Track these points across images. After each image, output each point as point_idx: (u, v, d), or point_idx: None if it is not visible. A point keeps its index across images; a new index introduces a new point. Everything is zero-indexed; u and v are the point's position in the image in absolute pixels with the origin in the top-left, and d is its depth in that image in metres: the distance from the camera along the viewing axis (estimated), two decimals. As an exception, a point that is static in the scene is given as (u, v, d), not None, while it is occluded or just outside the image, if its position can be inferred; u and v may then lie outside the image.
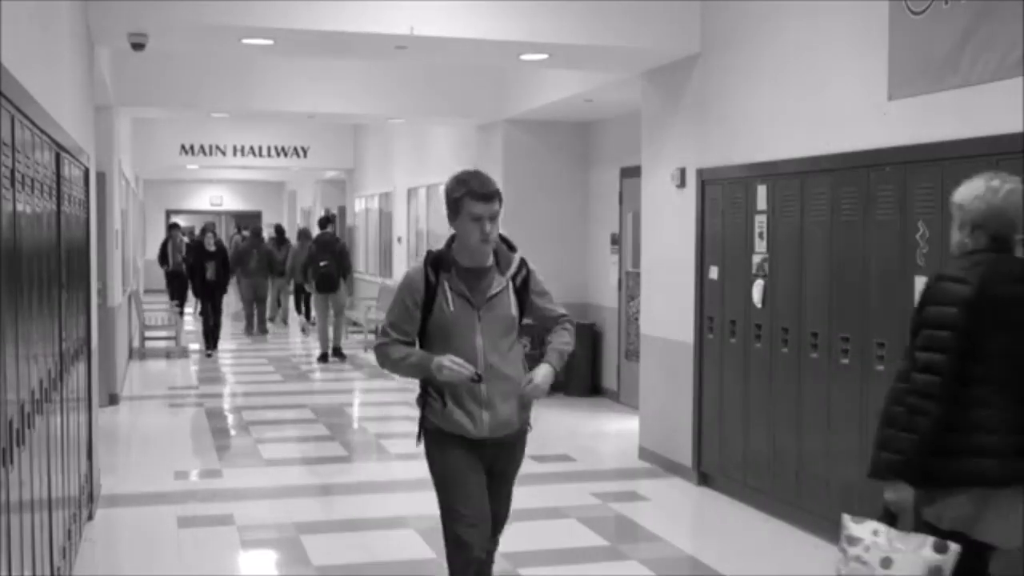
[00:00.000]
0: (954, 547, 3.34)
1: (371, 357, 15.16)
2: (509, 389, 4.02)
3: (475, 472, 4.09)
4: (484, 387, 3.95)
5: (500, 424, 4.03)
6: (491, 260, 4.06)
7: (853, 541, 3.47)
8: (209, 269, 15.37)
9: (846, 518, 3.55)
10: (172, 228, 20.89)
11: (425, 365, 3.95)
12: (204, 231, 16.11)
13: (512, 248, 4.14)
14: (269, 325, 18.64)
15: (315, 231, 15.51)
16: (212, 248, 15.61)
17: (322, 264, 14.33)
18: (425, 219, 15.47)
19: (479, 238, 3.94)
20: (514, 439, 4.16)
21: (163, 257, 19.87)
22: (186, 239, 19.44)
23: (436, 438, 4.12)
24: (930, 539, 3.35)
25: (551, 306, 4.27)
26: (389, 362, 4.07)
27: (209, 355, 14.82)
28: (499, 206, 3.98)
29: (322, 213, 20.71)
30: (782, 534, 6.35)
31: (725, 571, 5.65)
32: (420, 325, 4.06)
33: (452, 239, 4.07)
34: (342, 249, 15.06)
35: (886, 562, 3.36)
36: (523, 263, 4.14)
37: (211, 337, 15.17)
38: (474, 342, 3.98)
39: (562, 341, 4.24)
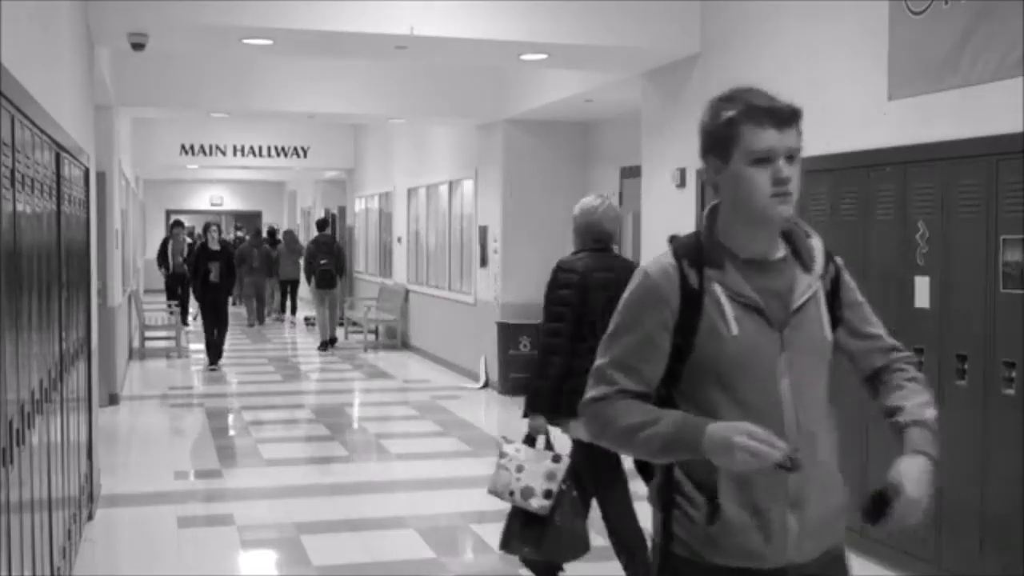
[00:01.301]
0: (566, 459, 4.67)
1: (371, 357, 15.15)
2: (830, 474, 2.44)
3: None
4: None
5: (816, 533, 2.30)
6: (783, 249, 2.36)
7: (502, 455, 4.77)
8: (213, 270, 13.69)
9: (501, 440, 4.92)
10: (174, 226, 19.59)
11: (691, 439, 2.16)
12: (207, 228, 14.50)
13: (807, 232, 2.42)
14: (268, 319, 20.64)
15: (312, 232, 16.54)
16: (216, 247, 13.99)
17: (322, 263, 15.87)
18: (425, 219, 15.47)
19: (770, 192, 2.23)
20: (835, 561, 2.39)
21: (163, 258, 19.00)
22: (188, 240, 18.31)
23: (687, 570, 2.28)
24: (550, 454, 4.68)
25: (874, 328, 2.56)
26: (612, 430, 2.27)
27: (213, 369, 13.48)
28: (799, 139, 2.29)
29: (322, 214, 21.82)
30: (782, 534, 6.34)
31: (725, 571, 5.64)
32: (669, 363, 2.29)
33: (711, 215, 2.40)
34: (339, 250, 16.60)
35: (520, 468, 4.68)
36: (829, 254, 2.43)
37: (215, 349, 13.73)
38: (777, 390, 2.28)
39: (921, 401, 2.54)
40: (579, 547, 4.70)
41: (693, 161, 7.52)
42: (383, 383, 12.92)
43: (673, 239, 2.43)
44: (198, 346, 15.09)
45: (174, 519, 6.57)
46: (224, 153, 17.85)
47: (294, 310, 20.95)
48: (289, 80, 11.29)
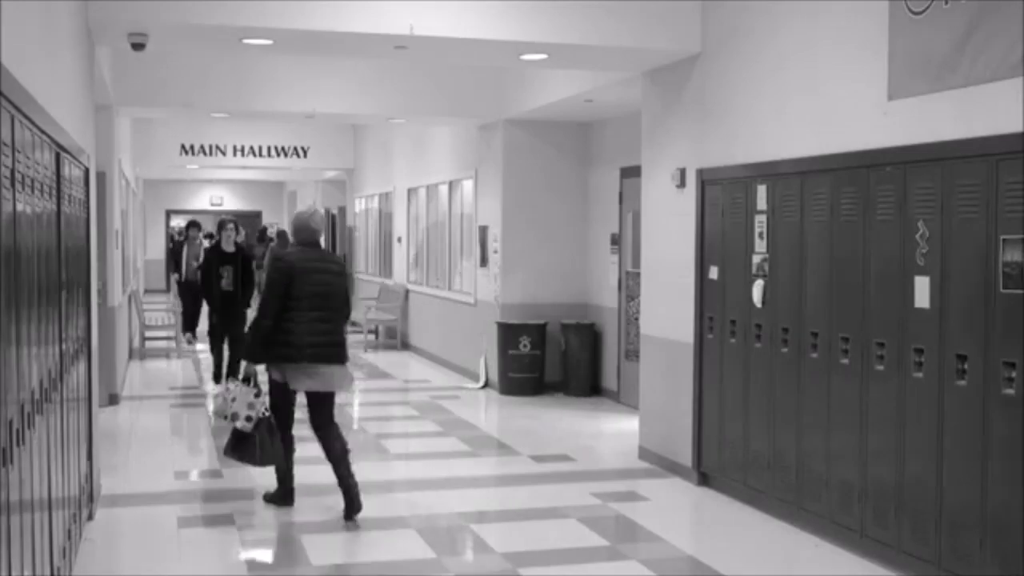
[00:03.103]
0: (265, 393, 6.54)
1: (371, 357, 15.15)
2: None
3: None
4: None
5: None
6: None
7: (226, 390, 6.65)
8: (225, 276, 11.74)
9: (227, 382, 7.20)
10: (190, 227, 16.47)
11: None
12: (222, 226, 12.21)
13: None
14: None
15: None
16: (231, 248, 11.91)
17: None
18: (425, 219, 15.47)
19: None
20: None
21: (175, 264, 16.52)
22: (206, 242, 15.44)
23: None
24: (254, 389, 6.46)
25: None
26: None
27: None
28: None
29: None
30: (782, 534, 6.35)
31: (725, 571, 5.65)
32: None
33: None
34: None
35: (233, 399, 6.47)
36: None
37: (223, 372, 11.75)
38: None
39: None
40: (276, 457, 6.57)
41: (693, 161, 7.52)
42: (383, 383, 12.91)
43: None
44: (203, 346, 15.00)
45: (174, 519, 6.57)
46: (224, 153, 17.86)
47: None
48: (289, 80, 11.29)
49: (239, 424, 6.47)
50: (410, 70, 11.45)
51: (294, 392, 6.62)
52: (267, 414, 6.52)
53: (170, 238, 29.17)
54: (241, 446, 6.52)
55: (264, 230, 24.09)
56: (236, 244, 12.09)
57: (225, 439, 6.68)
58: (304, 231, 6.63)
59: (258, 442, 6.46)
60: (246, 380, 6.50)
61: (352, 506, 6.54)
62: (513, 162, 11.82)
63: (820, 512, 6.11)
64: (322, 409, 6.63)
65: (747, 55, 6.95)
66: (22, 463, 3.40)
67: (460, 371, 13.18)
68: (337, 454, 6.59)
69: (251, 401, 6.47)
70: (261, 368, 6.58)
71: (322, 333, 6.46)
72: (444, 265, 14.47)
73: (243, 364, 6.63)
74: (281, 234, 21.75)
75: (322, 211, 6.69)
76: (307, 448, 8.96)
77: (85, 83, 6.72)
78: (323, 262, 6.63)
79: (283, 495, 6.85)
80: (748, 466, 6.87)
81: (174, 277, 16.53)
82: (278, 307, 6.38)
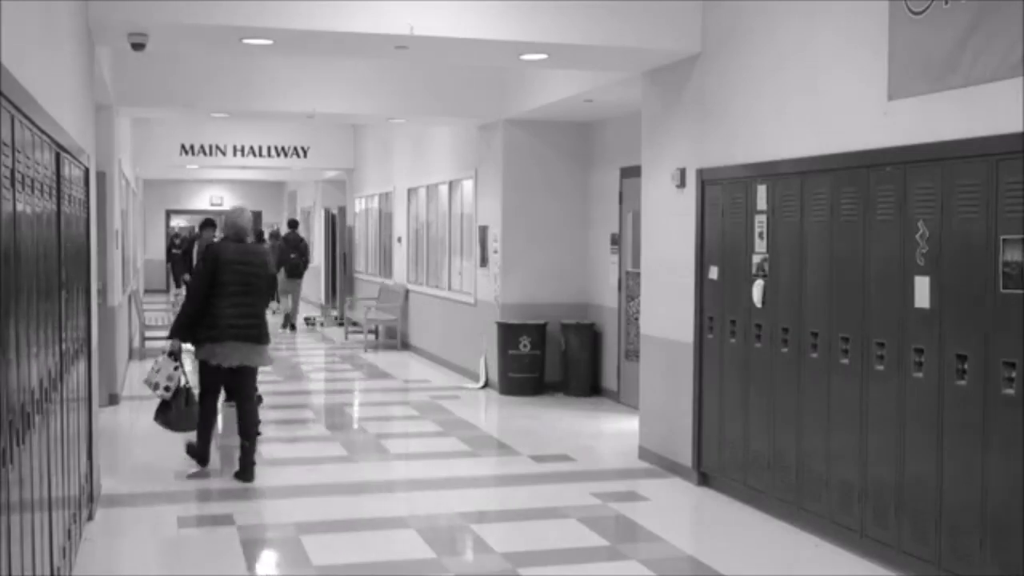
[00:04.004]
0: (182, 368, 7.56)
1: (371, 357, 15.15)
2: None
3: None
4: None
5: None
6: None
7: (155, 364, 7.52)
8: None
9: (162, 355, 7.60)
10: (204, 227, 16.28)
11: None
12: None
13: None
14: None
15: (301, 231, 20.54)
16: None
17: (292, 256, 19.07)
18: (425, 219, 15.47)
19: None
20: None
21: (186, 265, 15.91)
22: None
23: None
24: (175, 363, 7.45)
25: None
26: None
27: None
28: None
29: (322, 214, 22.45)
30: (782, 534, 6.35)
31: (725, 571, 5.65)
32: None
33: None
34: (305, 247, 19.95)
35: (158, 371, 7.43)
36: None
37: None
38: None
39: None
40: (191, 423, 7.60)
41: (693, 161, 7.52)
42: (383, 383, 12.91)
43: None
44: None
45: (174, 519, 6.57)
46: (224, 153, 17.84)
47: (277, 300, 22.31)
48: (289, 80, 11.29)
49: (158, 393, 7.46)
50: (410, 70, 11.45)
51: (218, 370, 7.48)
52: (186, 385, 7.54)
53: (172, 240, 28.75)
54: (164, 412, 7.57)
55: (260, 233, 24.09)
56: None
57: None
58: (231, 227, 7.63)
59: (174, 409, 7.52)
60: (173, 356, 7.48)
61: (246, 473, 7.50)
62: (513, 162, 11.82)
63: (820, 512, 6.11)
64: (243, 384, 7.62)
65: (747, 55, 6.95)
66: (22, 463, 3.40)
67: (460, 371, 13.18)
68: (248, 428, 7.54)
69: (170, 373, 7.45)
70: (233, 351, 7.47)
71: (242, 316, 7.41)
72: (444, 265, 14.46)
73: (169, 341, 7.58)
74: (274, 234, 21.91)
75: (250, 212, 7.89)
76: (308, 449, 9.01)
77: (85, 83, 6.72)
78: (245, 255, 7.54)
79: (200, 454, 7.79)
80: (748, 466, 6.87)
81: (185, 279, 15.94)
82: (203, 292, 7.35)
